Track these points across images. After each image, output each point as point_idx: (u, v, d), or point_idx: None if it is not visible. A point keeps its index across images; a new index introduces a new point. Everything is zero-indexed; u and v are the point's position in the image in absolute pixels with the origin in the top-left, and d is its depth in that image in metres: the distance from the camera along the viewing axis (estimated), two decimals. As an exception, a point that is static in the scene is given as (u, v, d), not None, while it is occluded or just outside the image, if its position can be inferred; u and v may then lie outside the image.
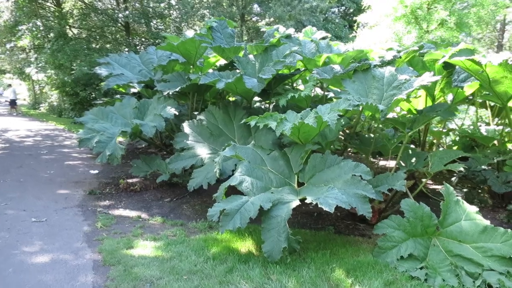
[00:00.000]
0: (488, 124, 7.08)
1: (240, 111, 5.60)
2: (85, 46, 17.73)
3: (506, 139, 6.34)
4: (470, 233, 3.75)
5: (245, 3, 21.91)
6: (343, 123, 5.25)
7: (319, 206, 3.29)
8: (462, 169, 4.36)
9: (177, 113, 6.02)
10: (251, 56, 6.01)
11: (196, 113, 6.88)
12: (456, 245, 3.69)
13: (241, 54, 6.22)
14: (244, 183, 3.75)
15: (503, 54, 3.95)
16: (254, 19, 25.04)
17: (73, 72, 16.43)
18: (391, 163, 7.18)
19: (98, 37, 20.21)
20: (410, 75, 4.61)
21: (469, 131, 6.42)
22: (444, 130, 7.17)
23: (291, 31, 6.76)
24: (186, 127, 5.67)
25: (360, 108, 4.52)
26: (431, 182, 6.78)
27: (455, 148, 7.04)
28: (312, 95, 6.57)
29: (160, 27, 21.52)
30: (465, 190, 5.83)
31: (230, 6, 22.39)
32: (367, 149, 5.30)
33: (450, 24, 12.21)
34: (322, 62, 5.63)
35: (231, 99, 7.82)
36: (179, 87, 6.07)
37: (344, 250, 3.93)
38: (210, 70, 6.89)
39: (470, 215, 3.87)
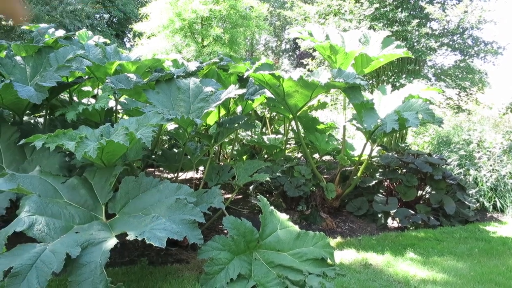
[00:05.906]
0: (278, 133, 7.77)
1: (9, 128, 4.31)
2: None
3: (283, 147, 7.09)
4: (286, 241, 3.88)
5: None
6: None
7: (147, 242, 2.72)
8: (268, 178, 4.52)
9: None
10: (18, 58, 4.73)
11: None
12: (275, 255, 3.74)
13: (3, 54, 4.84)
14: (37, 226, 2.78)
15: (299, 71, 4.29)
16: (-2, 16, 20.83)
17: None
18: (189, 174, 7.02)
19: None
20: (214, 87, 4.50)
21: (255, 140, 6.87)
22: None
23: (60, 33, 5.72)
24: None
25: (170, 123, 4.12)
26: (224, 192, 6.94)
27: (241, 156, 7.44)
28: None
29: None
30: (258, 196, 6.14)
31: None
32: (174, 166, 4.91)
33: (225, 40, 13.17)
34: (113, 69, 4.93)
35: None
36: None
37: (168, 285, 3.44)
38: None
39: (284, 223, 4.03)
